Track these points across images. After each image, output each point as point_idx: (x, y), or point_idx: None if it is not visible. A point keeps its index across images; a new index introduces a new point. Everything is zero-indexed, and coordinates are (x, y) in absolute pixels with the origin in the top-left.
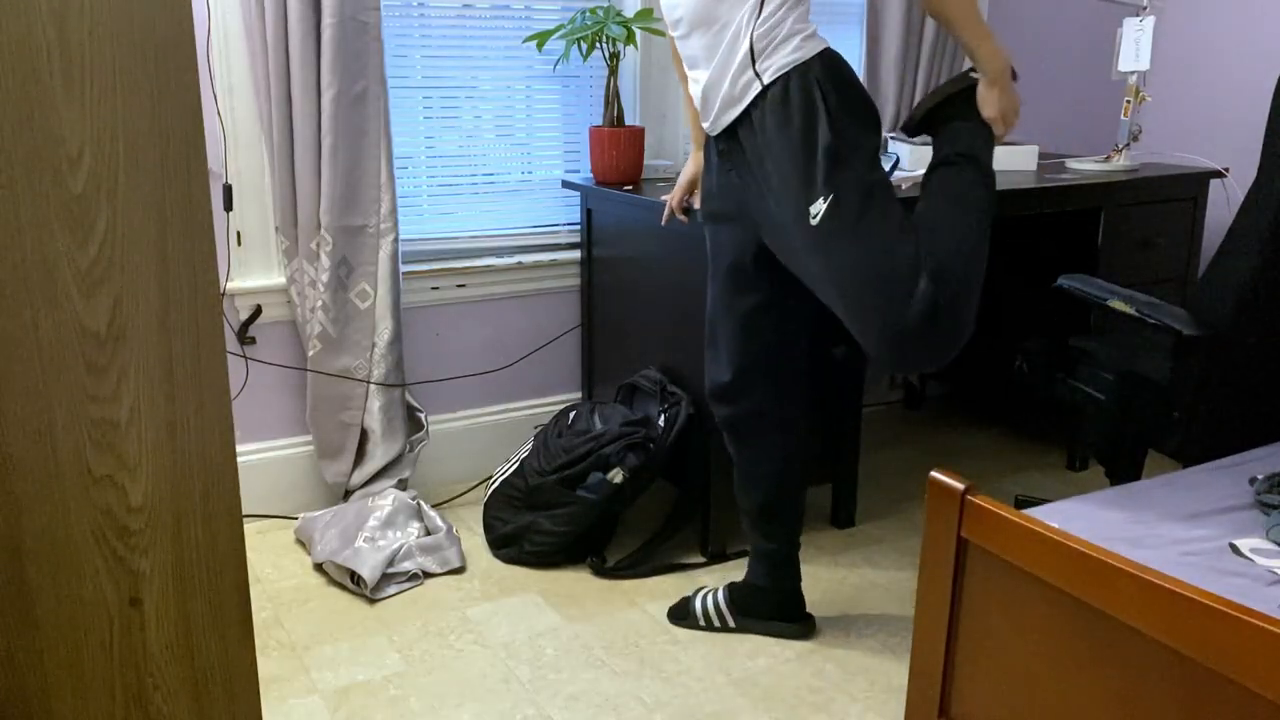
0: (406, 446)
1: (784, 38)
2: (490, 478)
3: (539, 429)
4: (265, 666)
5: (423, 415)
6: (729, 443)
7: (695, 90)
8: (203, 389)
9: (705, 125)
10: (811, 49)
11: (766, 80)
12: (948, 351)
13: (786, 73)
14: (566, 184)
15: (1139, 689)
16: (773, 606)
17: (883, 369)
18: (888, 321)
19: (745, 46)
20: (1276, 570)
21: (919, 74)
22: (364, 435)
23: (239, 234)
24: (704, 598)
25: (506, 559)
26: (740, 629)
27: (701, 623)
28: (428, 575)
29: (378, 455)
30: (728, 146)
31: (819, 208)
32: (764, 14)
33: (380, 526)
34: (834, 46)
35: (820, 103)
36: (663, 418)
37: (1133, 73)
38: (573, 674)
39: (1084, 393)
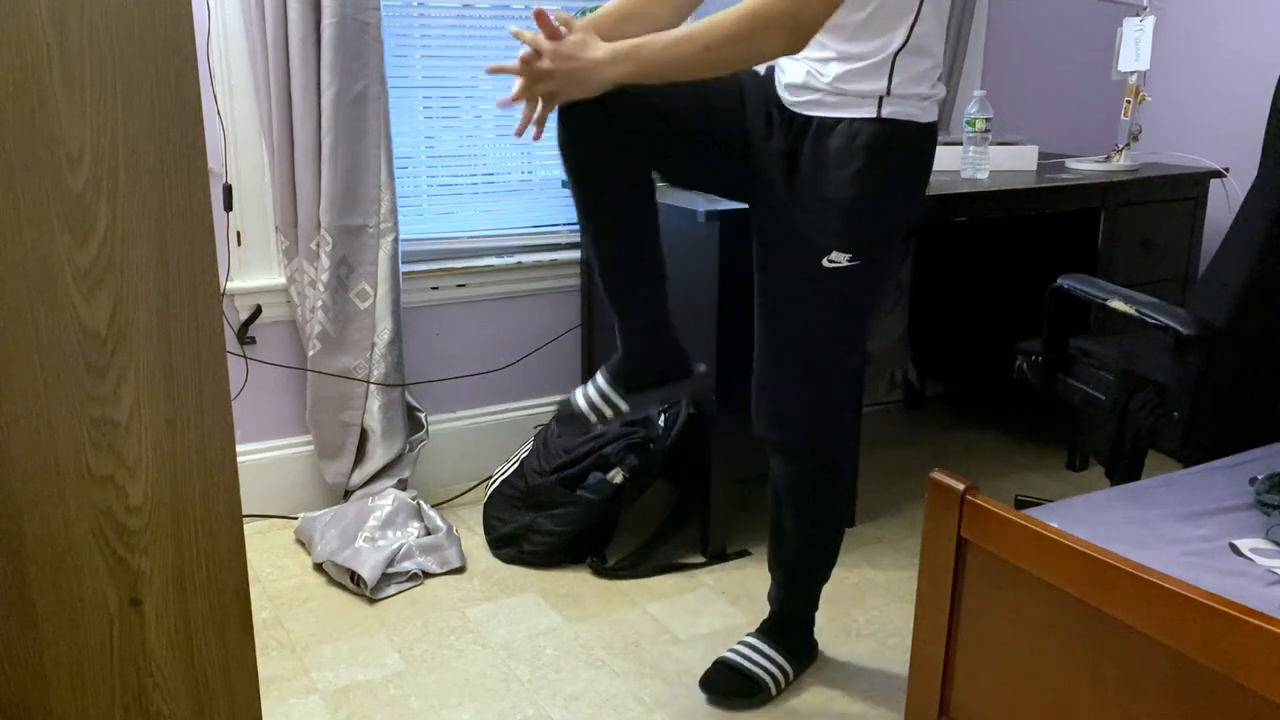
0: (406, 446)
1: (918, 79)
2: (490, 478)
3: (539, 429)
4: (265, 666)
5: (423, 415)
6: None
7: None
8: (203, 389)
9: (787, 93)
10: (933, 114)
11: (885, 114)
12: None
13: (904, 122)
14: (566, 184)
15: (1139, 689)
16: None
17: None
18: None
19: (886, 69)
20: (1276, 570)
21: None
22: (364, 435)
23: (239, 234)
24: (583, 391)
25: (506, 559)
26: (631, 405)
27: (592, 418)
28: (428, 575)
29: (378, 455)
30: (791, 122)
31: (840, 259)
32: (912, 39)
33: (380, 526)
34: None
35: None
36: (663, 418)
37: (1133, 73)
38: (573, 674)
39: (1084, 393)
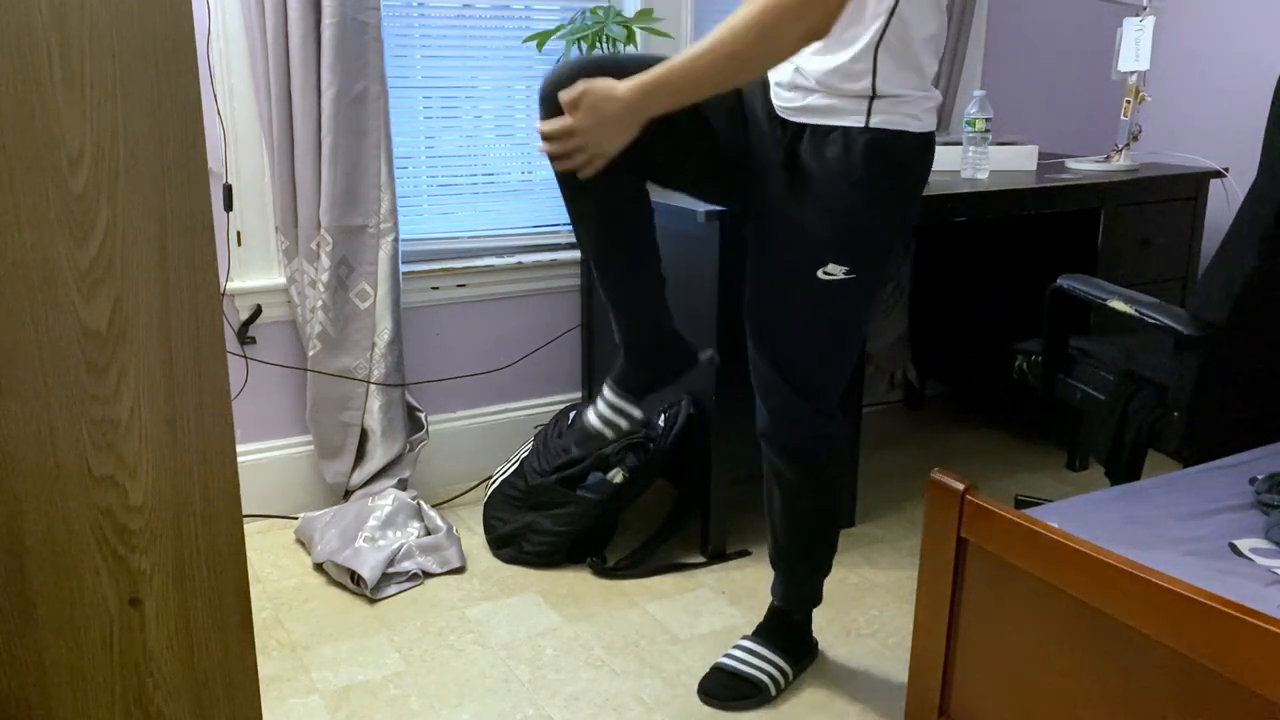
0: (406, 446)
1: (904, 72)
2: (490, 478)
3: (539, 429)
4: (265, 666)
5: (423, 415)
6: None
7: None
8: (203, 389)
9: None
10: (928, 122)
11: (875, 123)
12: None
13: (897, 131)
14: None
15: (1139, 689)
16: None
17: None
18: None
19: (869, 63)
20: (1276, 570)
21: None
22: (364, 435)
23: (239, 234)
24: (594, 410)
25: (506, 559)
26: (645, 410)
27: (609, 434)
28: (428, 575)
29: (378, 455)
30: (785, 129)
31: (835, 271)
32: (891, 28)
33: (380, 526)
34: None
35: (902, 187)
36: (663, 418)
37: (1133, 73)
38: (573, 674)
39: (1084, 393)
